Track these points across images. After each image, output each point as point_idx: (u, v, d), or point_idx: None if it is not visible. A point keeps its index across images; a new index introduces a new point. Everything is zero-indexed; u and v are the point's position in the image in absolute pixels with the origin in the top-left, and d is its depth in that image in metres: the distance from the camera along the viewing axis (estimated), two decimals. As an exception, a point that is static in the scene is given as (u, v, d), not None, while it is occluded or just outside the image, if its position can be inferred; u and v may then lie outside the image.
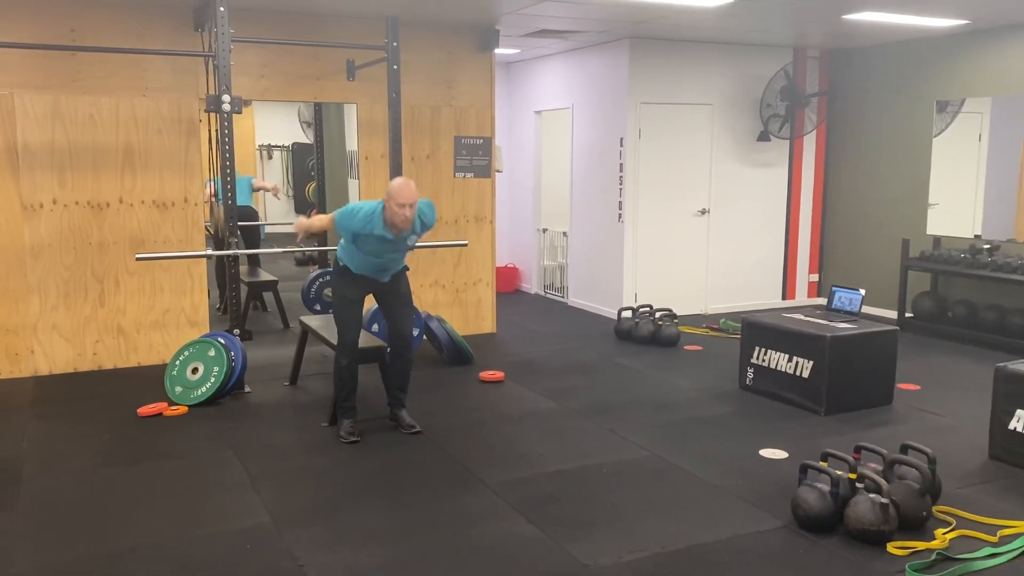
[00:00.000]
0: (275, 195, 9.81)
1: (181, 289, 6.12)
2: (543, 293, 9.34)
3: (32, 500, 3.76)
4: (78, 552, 3.27)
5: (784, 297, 8.65)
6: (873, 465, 3.62)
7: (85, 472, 4.10)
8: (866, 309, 7.52)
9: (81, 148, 5.76)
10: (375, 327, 6.05)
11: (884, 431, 4.69)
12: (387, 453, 4.37)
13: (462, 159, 6.96)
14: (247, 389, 5.42)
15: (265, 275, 7.82)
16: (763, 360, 5.38)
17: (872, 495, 3.34)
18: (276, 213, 13.43)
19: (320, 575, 3.10)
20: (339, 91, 6.45)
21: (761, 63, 8.04)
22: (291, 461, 4.27)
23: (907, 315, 7.45)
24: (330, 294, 6.26)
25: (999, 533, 3.41)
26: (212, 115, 5.51)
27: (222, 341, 5.31)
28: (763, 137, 8.16)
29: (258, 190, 9.16)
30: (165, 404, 5.08)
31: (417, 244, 4.63)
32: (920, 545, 3.29)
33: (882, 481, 3.38)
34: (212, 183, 6.44)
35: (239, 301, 5.65)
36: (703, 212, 8.14)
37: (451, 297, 7.04)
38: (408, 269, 4.68)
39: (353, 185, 8.69)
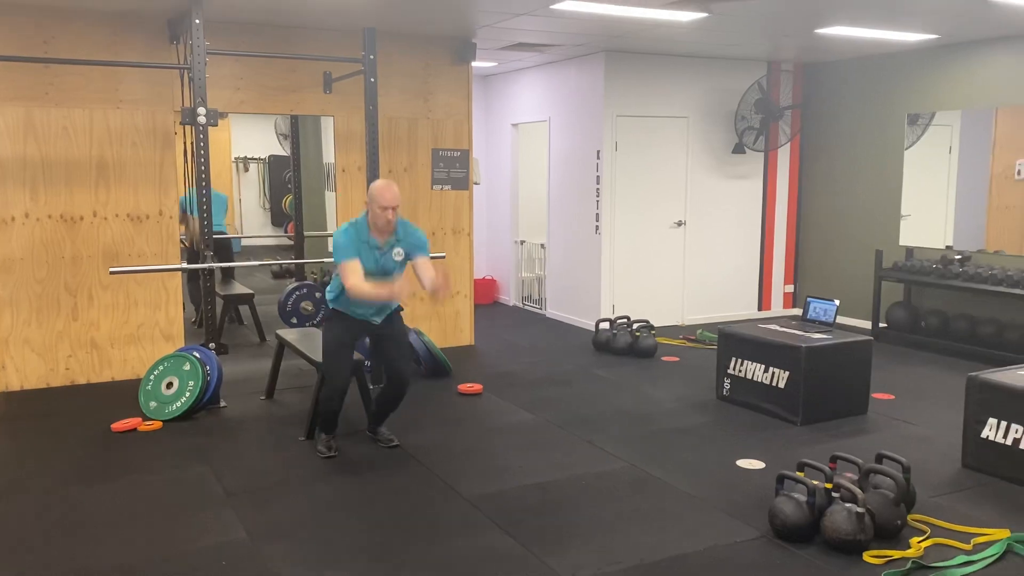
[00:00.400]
0: None
1: (156, 303, 6.07)
2: (521, 305, 9.34)
3: (2, 518, 3.70)
4: (51, 572, 3.22)
5: (760, 308, 8.72)
6: (849, 475, 3.64)
7: (57, 489, 4.04)
8: (841, 319, 7.60)
9: (54, 161, 5.70)
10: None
11: (859, 440, 4.73)
12: (364, 467, 4.35)
13: (440, 171, 6.97)
14: (223, 403, 5.38)
15: (241, 288, 7.77)
16: (739, 371, 5.41)
17: (848, 504, 3.37)
18: (252, 226, 13.35)
19: (297, 591, 3.08)
20: (316, 104, 6.44)
21: (736, 76, 8.13)
22: (267, 476, 4.23)
23: (881, 325, 7.53)
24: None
25: (973, 541, 3.44)
26: (187, 128, 5.48)
27: (197, 355, 5.26)
28: (738, 149, 8.24)
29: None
30: (139, 419, 5.02)
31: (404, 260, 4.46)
32: (895, 554, 3.31)
33: (857, 491, 3.41)
34: (186, 200, 6.38)
35: (214, 315, 5.60)
36: (679, 224, 8.19)
37: (429, 309, 7.03)
38: (402, 309, 4.58)
39: (330, 197, 8.67)
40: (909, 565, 3.20)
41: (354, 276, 4.12)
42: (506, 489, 4.00)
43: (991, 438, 4.21)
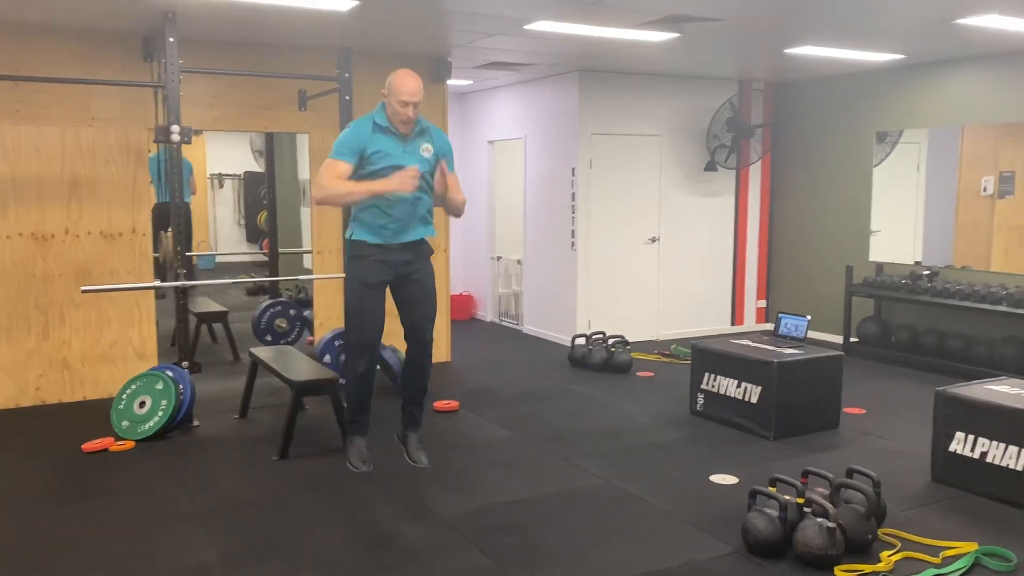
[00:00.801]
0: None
1: (129, 321, 6.02)
2: (498, 321, 9.36)
3: (-30, 541, 3.65)
4: (18, 595, 3.18)
5: (733, 323, 8.80)
6: (820, 489, 3.69)
7: (27, 511, 3.99)
8: (812, 334, 7.68)
9: (25, 179, 5.65)
10: (327, 358, 6.01)
11: (831, 455, 4.78)
12: (337, 486, 4.33)
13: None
14: (196, 423, 5.33)
15: (214, 306, 7.73)
16: (713, 386, 5.46)
17: (819, 519, 3.41)
18: (227, 242, 13.27)
19: (270, 612, 3.06)
20: (291, 121, 6.45)
21: (707, 95, 8.23)
22: (241, 496, 4.20)
23: (852, 340, 7.62)
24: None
25: (942, 554, 3.49)
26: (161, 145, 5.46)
27: (170, 374, 5.23)
28: (710, 167, 8.34)
29: None
30: (111, 439, 4.97)
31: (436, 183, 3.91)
32: (866, 568, 3.35)
33: (829, 505, 3.45)
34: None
35: (187, 333, 5.57)
36: (653, 240, 8.26)
37: (404, 326, 7.01)
38: (432, 252, 4.07)
39: (305, 214, 8.65)
40: (879, 579, 3.24)
41: (328, 174, 3.57)
42: (482, 507, 4.00)
43: (959, 452, 4.28)
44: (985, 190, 7.09)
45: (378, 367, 6.20)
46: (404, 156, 3.64)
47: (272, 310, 7.58)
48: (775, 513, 3.49)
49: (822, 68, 7.59)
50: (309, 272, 7.46)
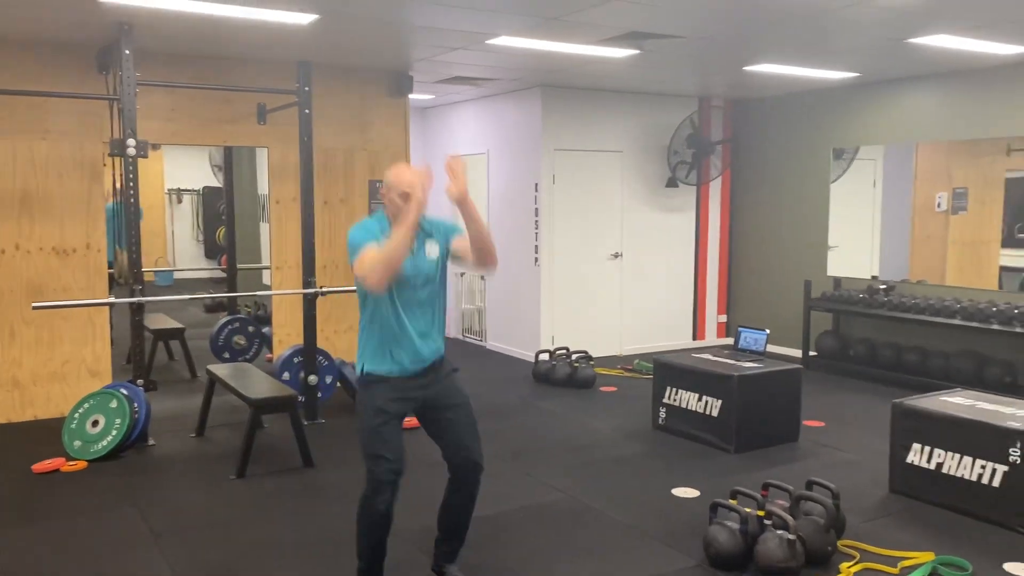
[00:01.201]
0: None
1: (82, 339, 5.88)
2: (462, 337, 9.32)
3: (-89, 567, 3.52)
4: (-39, 622, 3.06)
5: (695, 337, 8.85)
6: (780, 502, 3.70)
7: (-28, 535, 3.87)
8: (772, 348, 7.74)
9: (-26, 193, 5.52)
10: (285, 375, 5.93)
11: (791, 467, 4.82)
12: (295, 505, 4.26)
13: (377, 203, 6.94)
14: (151, 442, 5.22)
15: (171, 323, 7.59)
16: (674, 400, 5.48)
17: (780, 532, 3.42)
18: (184, 259, 13.09)
19: (225, 635, 2.98)
20: (250, 135, 6.38)
21: (668, 112, 8.31)
22: (196, 516, 4.11)
23: (811, 353, 7.71)
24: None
25: (900, 564, 3.52)
26: (117, 159, 5.36)
27: (125, 392, 5.11)
28: (671, 183, 8.41)
29: None
30: (63, 460, 4.84)
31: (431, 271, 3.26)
32: (826, 579, 3.37)
33: (789, 518, 3.46)
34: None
35: (143, 350, 5.45)
36: (616, 255, 8.29)
37: (366, 342, 6.95)
38: (458, 371, 3.34)
39: (264, 229, 8.56)
40: (839, 590, 3.26)
41: (368, 256, 3.01)
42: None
43: (916, 463, 4.33)
44: (939, 206, 7.24)
45: (338, 384, 6.16)
46: (414, 261, 3.12)
47: (230, 327, 7.47)
48: (736, 526, 3.50)
49: (780, 85, 7.71)
50: (268, 288, 7.38)
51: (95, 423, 5.00)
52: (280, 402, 4.79)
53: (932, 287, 7.12)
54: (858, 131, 7.70)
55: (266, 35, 5.36)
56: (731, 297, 9.06)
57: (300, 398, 5.36)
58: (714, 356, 5.62)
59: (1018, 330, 6.13)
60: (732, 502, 3.63)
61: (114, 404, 5.03)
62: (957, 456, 4.14)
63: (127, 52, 5.04)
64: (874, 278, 7.61)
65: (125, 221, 5.26)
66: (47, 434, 5.32)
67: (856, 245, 7.90)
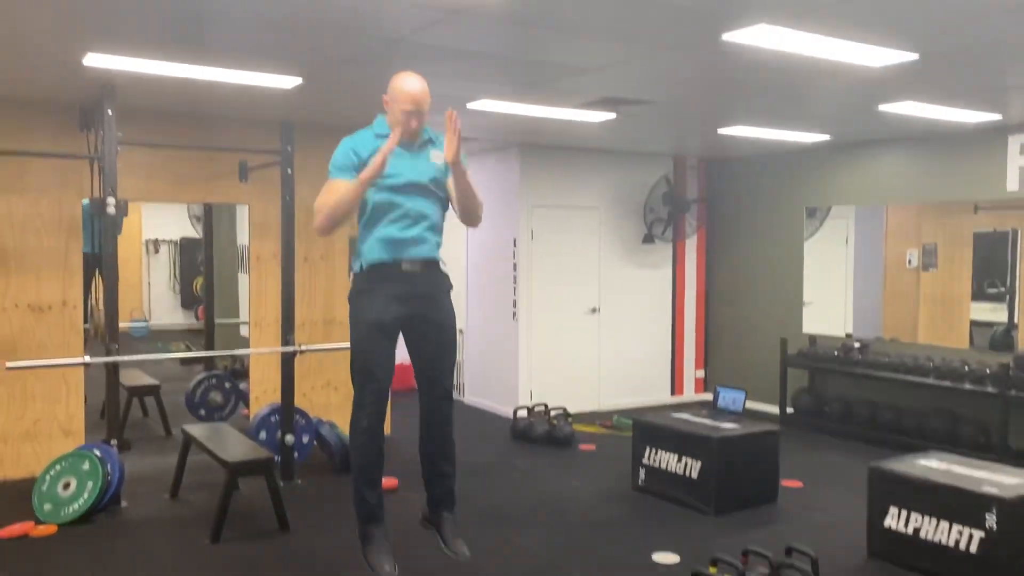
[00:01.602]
0: None
1: (55, 397, 5.79)
2: (438, 391, 9.27)
3: None
4: None
5: (673, 392, 8.88)
6: (761, 568, 3.70)
7: (-64, 606, 3.76)
8: (750, 404, 7.76)
9: (-50, 249, 5.48)
10: (262, 435, 5.87)
11: (770, 530, 4.82)
12: (270, 573, 4.19)
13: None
14: (124, 504, 5.12)
15: (146, 379, 7.50)
16: (654, 461, 5.48)
17: (760, 601, 3.41)
18: (160, 310, 12.99)
19: None
20: (231, 192, 6.39)
21: (644, 170, 8.45)
22: (170, 584, 4.03)
23: (788, 410, 7.75)
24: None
25: (879, 633, 3.52)
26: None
27: (98, 453, 5.03)
28: (647, 239, 8.51)
29: None
30: (32, 523, 4.73)
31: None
32: (807, 650, 3.36)
33: (769, 586, 3.46)
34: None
35: (118, 408, 5.38)
36: (594, 311, 8.34)
37: (344, 399, 6.86)
38: (452, 287, 3.37)
39: (243, 280, 8.54)
40: (820, 662, 3.24)
41: (325, 195, 3.04)
42: None
43: (893, 527, 4.35)
44: (910, 262, 7.37)
45: (315, 443, 6.10)
46: (414, 168, 3.08)
47: (206, 383, 7.40)
48: (717, 595, 3.49)
49: (753, 146, 7.87)
50: (246, 341, 7.33)
51: (67, 485, 4.91)
52: (257, 465, 4.74)
53: (905, 345, 7.22)
54: (830, 191, 7.86)
55: (249, 96, 5.41)
56: (709, 352, 9.12)
57: (276, 458, 5.30)
58: (693, 416, 5.64)
59: (989, 390, 6.22)
60: (712, 570, 3.62)
61: (87, 466, 4.95)
62: (934, 520, 4.17)
63: (110, 112, 5.06)
64: (848, 336, 7.70)
65: (104, 279, 5.22)
66: (16, 496, 5.21)
67: (830, 302, 8.01)
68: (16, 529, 4.65)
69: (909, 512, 4.28)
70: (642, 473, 5.56)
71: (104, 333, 5.30)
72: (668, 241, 8.61)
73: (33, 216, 5.71)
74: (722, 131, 6.85)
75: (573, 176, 8.17)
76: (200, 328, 9.59)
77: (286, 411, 5.71)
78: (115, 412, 5.31)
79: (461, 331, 8.81)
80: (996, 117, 6.07)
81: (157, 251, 13.29)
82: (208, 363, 8.07)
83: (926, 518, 4.20)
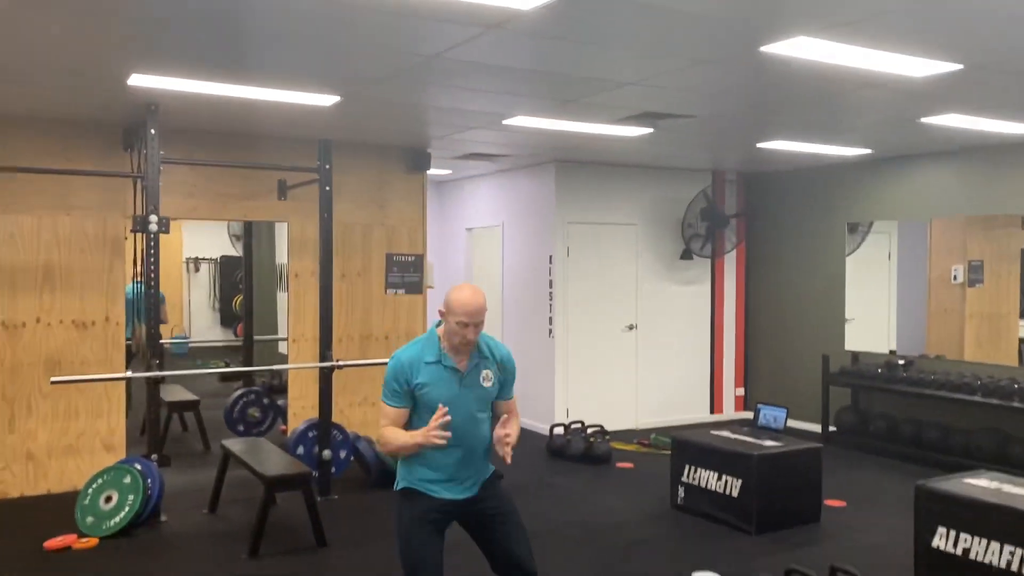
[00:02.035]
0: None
1: (97, 412, 5.88)
2: (474, 408, 9.25)
3: (-81, 651, 3.47)
4: None
5: (712, 411, 8.77)
6: (804, 590, 3.62)
7: (-19, 617, 3.81)
8: (791, 423, 7.64)
9: (-2, 267, 5.61)
10: (300, 450, 5.90)
11: (813, 550, 4.71)
12: (311, 586, 4.19)
13: (393, 276, 6.99)
14: (163, 518, 5.17)
15: (186, 394, 7.59)
16: (693, 479, 5.40)
17: (804, 622, 3.33)
18: (200, 327, 13.15)
19: None
20: (270, 210, 6.48)
21: (682, 185, 8.39)
22: (208, 598, 4.05)
23: (831, 429, 7.61)
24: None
25: (929, 658, 3.41)
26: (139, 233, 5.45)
27: (139, 467, 5.09)
28: (686, 256, 8.44)
29: None
30: (74, 536, 4.79)
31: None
32: (853, 673, 3.26)
33: (813, 607, 3.37)
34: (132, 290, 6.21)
35: (158, 424, 5.45)
36: (631, 328, 8.28)
37: (376, 414, 6.91)
38: (501, 477, 3.23)
39: (282, 298, 8.62)
40: None
41: (384, 421, 2.98)
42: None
43: (942, 548, 4.22)
44: (955, 278, 7.22)
45: (352, 458, 6.11)
46: (461, 394, 2.99)
47: (245, 399, 7.46)
48: (759, 616, 3.41)
49: (793, 161, 7.79)
50: (284, 358, 7.39)
51: (108, 499, 4.97)
52: (294, 479, 4.75)
53: (951, 362, 7.05)
54: (872, 206, 7.74)
55: (289, 115, 5.49)
56: (748, 370, 8.99)
57: (314, 473, 5.32)
58: (733, 434, 5.55)
59: (1041, 408, 6.04)
60: (754, 590, 3.54)
61: (128, 480, 5.01)
62: (984, 541, 4.04)
63: (152, 132, 5.16)
64: (892, 352, 7.55)
65: (145, 295, 5.31)
66: (60, 509, 5.28)
67: (873, 319, 7.86)
68: (59, 542, 4.72)
69: (958, 532, 4.15)
70: (681, 491, 5.48)
71: (145, 350, 5.38)
72: (707, 257, 8.53)
73: (78, 234, 5.83)
74: (761, 145, 6.79)
75: (609, 192, 8.14)
76: (239, 345, 9.68)
77: (323, 426, 5.74)
78: (155, 427, 5.37)
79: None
80: (1043, 128, 5.95)
81: (197, 269, 13.48)
82: (247, 379, 8.14)
83: (976, 538, 4.07)
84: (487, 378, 3.04)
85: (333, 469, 5.83)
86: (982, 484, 4.34)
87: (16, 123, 5.63)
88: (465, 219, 9.30)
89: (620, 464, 6.77)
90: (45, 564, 4.47)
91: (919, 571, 4.33)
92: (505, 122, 5.71)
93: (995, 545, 4.00)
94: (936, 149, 7.01)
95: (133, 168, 5.71)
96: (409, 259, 7.06)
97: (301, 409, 6.54)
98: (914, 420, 7.05)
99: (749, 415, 8.54)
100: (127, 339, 6.22)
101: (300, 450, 5.88)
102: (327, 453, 5.70)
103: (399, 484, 3.04)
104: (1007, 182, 6.69)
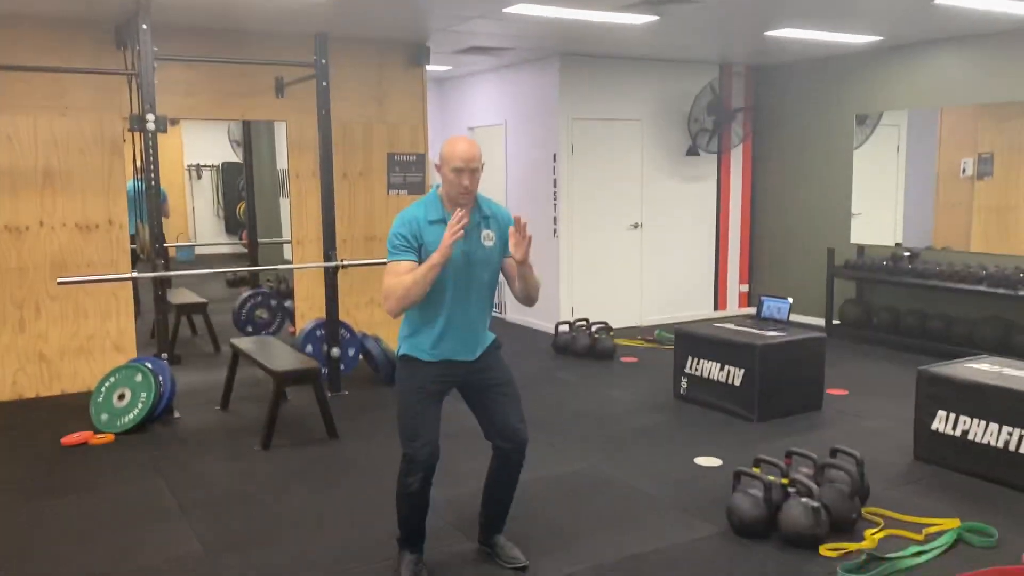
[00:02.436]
0: None
1: (106, 313, 5.94)
2: (480, 309, 9.32)
3: (-53, 538, 3.59)
4: (-3, 590, 3.13)
5: (716, 308, 8.81)
6: (804, 470, 3.69)
7: (7, 506, 3.93)
8: (795, 317, 7.69)
9: (-3, 170, 5.57)
10: (308, 348, 5.97)
11: (814, 436, 4.80)
12: (321, 476, 4.30)
13: (395, 176, 6.93)
14: (176, 415, 5.28)
15: (194, 297, 7.65)
16: (696, 370, 5.46)
17: (804, 499, 3.41)
18: (205, 235, 13.15)
19: (254, 603, 3.03)
20: (268, 109, 6.37)
21: (688, 79, 8.21)
22: (222, 488, 4.16)
23: (835, 322, 7.65)
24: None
25: (924, 531, 3.51)
26: (137, 134, 5.38)
27: (149, 366, 5.17)
28: (692, 151, 8.32)
29: None
30: (91, 432, 4.91)
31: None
32: (851, 546, 3.36)
33: (813, 485, 3.45)
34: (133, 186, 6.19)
35: (167, 325, 5.50)
36: (636, 226, 8.25)
37: (387, 315, 6.95)
38: (500, 346, 3.26)
39: (284, 203, 8.57)
40: (864, 557, 3.25)
41: (390, 279, 2.92)
42: (465, 494, 3.96)
43: (941, 430, 4.30)
44: (964, 171, 7.13)
45: (360, 356, 6.18)
46: (464, 253, 2.97)
47: (252, 301, 7.52)
48: (760, 494, 3.50)
49: (802, 50, 7.58)
50: (289, 262, 7.40)
51: (121, 396, 5.06)
52: (304, 374, 4.82)
53: (957, 253, 7.03)
54: (882, 96, 7.57)
55: (284, 8, 5.33)
56: (753, 266, 8.99)
57: (323, 370, 5.39)
58: (736, 325, 5.59)
59: (1045, 296, 6.04)
60: (755, 470, 3.62)
61: (139, 378, 5.09)
62: (983, 423, 4.11)
63: (145, 27, 5.02)
64: (898, 245, 7.52)
65: (146, 196, 5.28)
66: (75, 408, 5.40)
67: (880, 212, 7.80)
68: (76, 438, 4.83)
69: (958, 415, 4.22)
70: (684, 382, 5.56)
71: (150, 252, 5.38)
72: (713, 152, 8.41)
73: (76, 135, 5.76)
74: (769, 33, 6.59)
75: (615, 87, 7.97)
76: (245, 252, 9.69)
77: (331, 325, 5.79)
78: (164, 327, 5.42)
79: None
80: (1062, 9, 5.75)
81: (200, 176, 13.38)
82: (254, 283, 8.18)
83: (975, 420, 4.14)
84: (488, 237, 3.03)
85: (342, 366, 5.91)
86: (983, 368, 4.39)
87: (6, 21, 5.49)
88: (467, 118, 9.15)
89: (624, 359, 6.85)
90: (65, 458, 4.59)
91: (918, 453, 4.43)
92: (506, 10, 5.54)
93: (993, 426, 4.08)
94: (949, 34, 6.80)
95: (127, 66, 5.59)
96: (411, 159, 6.97)
97: (308, 310, 6.59)
98: (918, 312, 7.08)
99: (753, 311, 8.59)
100: (132, 245, 6.22)
101: (309, 348, 5.95)
102: (336, 351, 5.77)
103: (400, 350, 3.10)
104: (1022, 66, 6.51)
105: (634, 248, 8.27)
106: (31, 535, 3.61)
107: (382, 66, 6.78)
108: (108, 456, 4.62)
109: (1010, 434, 3.99)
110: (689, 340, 5.55)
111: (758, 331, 5.35)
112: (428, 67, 7.06)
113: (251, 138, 8.39)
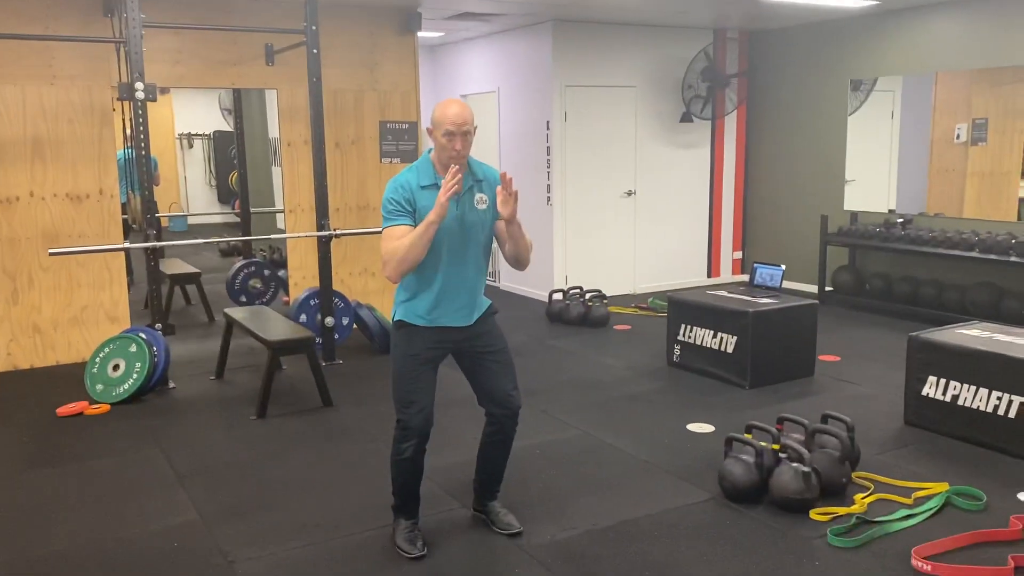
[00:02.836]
0: None
1: (99, 284, 5.93)
2: (474, 277, 9.32)
3: (-55, 508, 3.62)
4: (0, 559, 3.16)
5: (709, 275, 8.83)
6: (795, 435, 3.73)
7: (4, 476, 3.96)
8: (788, 284, 7.70)
9: (-14, 140, 5.52)
10: (302, 318, 5.97)
11: (806, 402, 4.84)
12: (316, 444, 4.33)
13: (388, 144, 6.89)
14: (171, 384, 5.30)
15: (187, 267, 7.64)
16: (689, 337, 5.49)
17: (795, 464, 3.45)
18: (197, 204, 13.10)
19: (250, 570, 3.07)
20: (258, 77, 6.31)
21: (682, 45, 8.15)
22: (218, 456, 4.19)
23: (827, 289, 7.68)
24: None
25: (914, 495, 3.56)
26: (126, 103, 5.33)
27: (144, 336, 5.17)
28: (686, 118, 8.29)
29: None
30: (86, 403, 4.92)
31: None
32: (841, 510, 3.41)
33: (804, 450, 3.49)
34: (123, 156, 6.17)
35: (160, 295, 5.50)
36: (629, 193, 8.23)
37: (381, 284, 6.97)
38: (496, 312, 3.27)
39: (276, 172, 8.53)
40: (853, 521, 3.30)
41: (386, 244, 2.90)
42: (460, 461, 4.01)
43: (931, 395, 4.34)
44: (958, 137, 7.11)
45: (354, 325, 6.19)
46: (457, 217, 2.96)
47: (246, 271, 7.51)
48: (751, 459, 3.53)
49: (797, 15, 7.52)
50: (282, 231, 7.39)
51: (116, 367, 5.07)
52: (298, 343, 4.83)
53: (950, 220, 7.04)
54: (877, 61, 7.54)
55: (271, -27, 5.26)
56: (746, 233, 8.99)
57: (317, 340, 5.40)
58: (729, 293, 5.60)
59: (1037, 262, 6.07)
60: (747, 436, 3.65)
61: (133, 348, 5.09)
62: (973, 388, 4.15)
63: (131, -7, 4.96)
64: (891, 212, 7.53)
65: (136, 165, 5.25)
66: (70, 378, 5.41)
67: (873, 179, 7.80)
68: (72, 408, 4.85)
69: (948, 380, 4.26)
70: (677, 349, 5.58)
71: (142, 222, 5.36)
72: (707, 119, 8.38)
73: (65, 105, 5.71)
74: (763, -2, 6.54)
75: (608, 54, 7.91)
76: (238, 222, 9.66)
77: (325, 294, 5.79)
78: (157, 297, 5.42)
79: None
80: (1058, -27, 5.71)
81: (191, 146, 13.29)
82: (247, 252, 8.17)
83: (965, 386, 4.18)
84: (481, 201, 3.03)
85: (336, 336, 5.92)
86: (974, 334, 4.42)
87: (-11, -12, 5.43)
88: (460, 86, 9.08)
89: (618, 327, 6.88)
90: (60, 429, 4.61)
91: (908, 418, 4.47)
92: (497, -24, 5.48)
93: (983, 391, 4.11)
94: (945, -1, 6.76)
95: (115, 34, 5.52)
96: (403, 127, 6.93)
97: (302, 279, 6.59)
98: (911, 278, 7.11)
99: (746, 278, 8.61)
100: (123, 215, 6.19)
101: (303, 318, 5.96)
102: (330, 320, 5.78)
103: (395, 315, 3.10)
104: (1018, 31, 6.48)
105: (628, 216, 8.26)
106: (28, 505, 3.64)
107: (373, 33, 6.71)
108: (104, 426, 4.64)
109: (999, 399, 4.03)
110: (682, 307, 5.57)
111: (751, 298, 5.37)
112: (420, 34, 7.00)
113: (242, 107, 8.32)
